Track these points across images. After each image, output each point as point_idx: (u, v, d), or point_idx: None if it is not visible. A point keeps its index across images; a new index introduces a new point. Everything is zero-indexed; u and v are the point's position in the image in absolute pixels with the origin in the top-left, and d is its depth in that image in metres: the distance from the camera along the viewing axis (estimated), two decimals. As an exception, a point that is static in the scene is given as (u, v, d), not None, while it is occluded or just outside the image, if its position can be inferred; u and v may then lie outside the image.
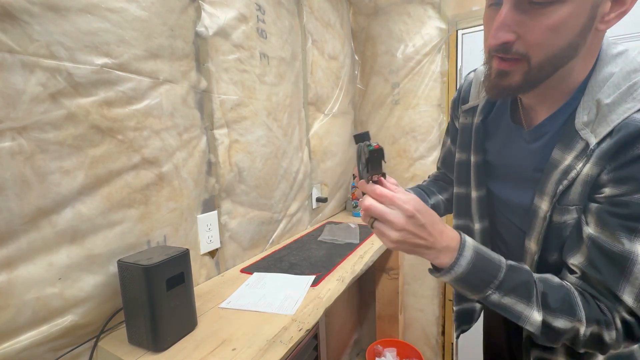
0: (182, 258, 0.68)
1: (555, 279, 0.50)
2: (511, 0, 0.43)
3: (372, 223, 0.50)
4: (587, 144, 0.46)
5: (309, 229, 1.45)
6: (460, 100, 0.71)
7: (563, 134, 0.50)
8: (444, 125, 1.66)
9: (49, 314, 0.60)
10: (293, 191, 1.31)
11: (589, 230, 0.47)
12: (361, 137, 0.53)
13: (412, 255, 1.76)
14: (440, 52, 1.60)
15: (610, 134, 0.44)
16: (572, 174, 0.47)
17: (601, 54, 0.48)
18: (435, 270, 0.51)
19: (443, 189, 0.86)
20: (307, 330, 0.71)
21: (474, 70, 0.72)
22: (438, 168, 0.90)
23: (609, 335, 0.45)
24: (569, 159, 0.48)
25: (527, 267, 0.52)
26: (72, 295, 0.62)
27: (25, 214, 0.56)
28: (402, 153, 1.73)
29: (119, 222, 0.70)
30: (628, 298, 0.44)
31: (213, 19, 0.91)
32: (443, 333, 1.75)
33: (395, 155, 1.76)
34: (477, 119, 0.66)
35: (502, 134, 0.62)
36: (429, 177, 0.93)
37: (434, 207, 0.79)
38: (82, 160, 0.63)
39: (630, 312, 0.44)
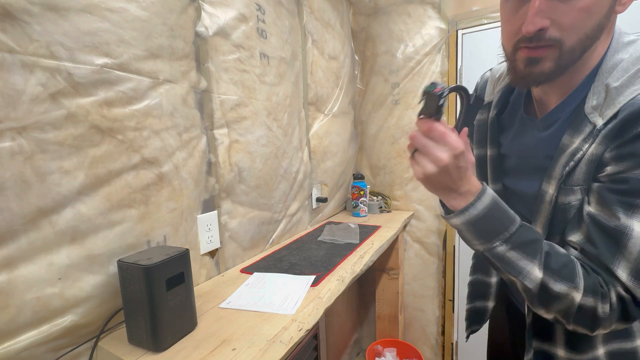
0: (182, 258, 0.68)
1: (562, 249, 0.51)
2: None
3: (413, 152, 0.51)
4: (595, 126, 0.47)
5: (309, 229, 1.45)
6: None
7: (573, 120, 0.51)
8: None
9: (49, 313, 0.60)
10: (293, 191, 1.31)
11: (589, 208, 0.49)
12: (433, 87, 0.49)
13: (412, 255, 1.76)
14: (440, 52, 1.60)
15: (616, 114, 0.45)
16: (579, 155, 0.49)
17: (612, 42, 0.49)
18: (448, 212, 0.53)
19: None
20: (307, 330, 0.71)
21: (490, 70, 0.74)
22: None
23: (603, 309, 0.46)
24: (576, 142, 0.49)
25: (539, 230, 0.53)
26: (72, 295, 0.62)
27: (25, 214, 0.56)
28: (402, 153, 1.73)
29: (119, 222, 0.70)
30: (622, 273, 0.45)
31: (213, 19, 0.91)
32: (443, 333, 1.75)
33: (395, 155, 1.76)
34: (491, 113, 0.67)
35: (516, 127, 0.63)
36: None
37: None
38: (82, 160, 0.63)
39: (626, 288, 0.45)
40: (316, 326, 0.78)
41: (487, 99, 0.70)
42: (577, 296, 0.46)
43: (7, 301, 0.55)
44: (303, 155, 1.37)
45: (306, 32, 1.37)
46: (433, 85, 0.48)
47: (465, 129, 0.51)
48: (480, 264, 0.83)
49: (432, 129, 0.48)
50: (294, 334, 0.68)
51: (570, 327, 0.50)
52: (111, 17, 0.66)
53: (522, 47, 0.48)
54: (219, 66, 0.93)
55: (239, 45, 0.99)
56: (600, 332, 0.48)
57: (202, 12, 0.88)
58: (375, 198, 1.78)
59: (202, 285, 0.92)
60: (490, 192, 0.51)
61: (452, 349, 1.74)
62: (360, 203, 1.64)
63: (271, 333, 0.68)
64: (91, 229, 0.65)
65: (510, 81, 0.55)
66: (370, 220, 1.60)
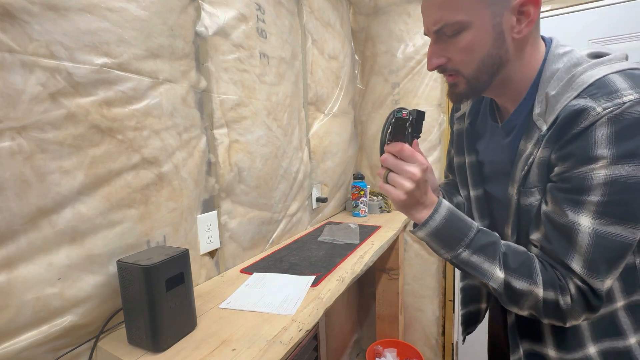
0: (182, 258, 0.68)
1: (520, 247, 0.56)
2: (433, 36, 0.56)
3: (386, 175, 0.57)
4: (540, 132, 0.53)
5: (309, 229, 1.45)
6: (454, 109, 0.81)
7: (526, 126, 0.57)
8: (444, 125, 1.66)
9: (48, 314, 0.59)
10: (293, 191, 1.31)
11: (545, 207, 0.54)
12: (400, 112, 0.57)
13: (412, 255, 1.76)
14: (441, 52, 1.60)
15: (555, 120, 0.50)
16: (530, 159, 0.54)
17: (548, 54, 0.55)
18: (414, 226, 0.59)
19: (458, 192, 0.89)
20: (307, 330, 0.71)
21: None
22: (446, 176, 0.93)
23: (564, 301, 0.50)
24: (529, 147, 0.55)
25: (495, 233, 0.57)
26: (71, 295, 0.62)
27: (25, 214, 0.56)
28: (402, 153, 1.73)
29: (119, 222, 0.70)
30: (576, 266, 0.49)
31: (213, 18, 0.91)
32: (443, 333, 1.75)
33: (395, 155, 1.75)
34: (465, 123, 0.73)
35: (488, 134, 0.69)
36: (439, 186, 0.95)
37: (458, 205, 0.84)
38: (82, 160, 0.63)
39: (582, 279, 0.49)
40: (316, 326, 0.78)
41: (462, 110, 0.75)
42: (539, 291, 0.51)
43: (6, 301, 0.54)
44: (303, 155, 1.37)
45: (306, 32, 1.37)
46: (400, 111, 0.56)
47: (416, 140, 0.60)
48: None
49: (403, 150, 0.55)
50: (294, 335, 0.68)
51: (545, 320, 0.54)
52: (111, 16, 0.66)
53: (443, 74, 0.59)
54: (218, 66, 0.93)
55: (239, 45, 0.99)
56: (573, 323, 0.52)
57: (202, 12, 0.88)
58: (375, 198, 1.78)
59: (202, 286, 0.92)
60: (445, 204, 0.57)
61: (453, 349, 1.74)
62: (360, 203, 1.64)
63: (271, 333, 0.68)
64: (91, 229, 0.65)
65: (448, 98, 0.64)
66: (371, 220, 1.60)
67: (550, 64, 0.54)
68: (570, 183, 0.49)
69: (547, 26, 1.42)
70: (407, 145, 0.56)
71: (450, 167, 0.89)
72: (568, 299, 0.50)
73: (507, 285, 0.53)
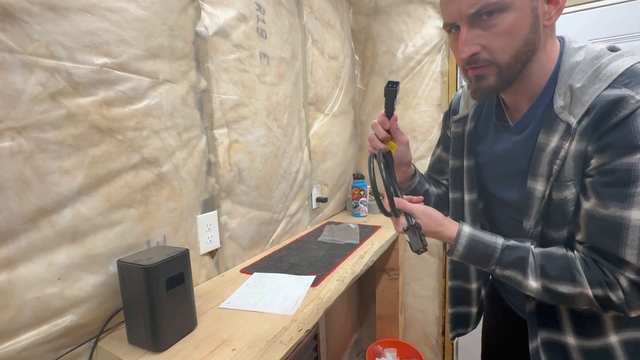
0: (182, 258, 0.68)
1: (560, 250, 0.56)
2: (467, 20, 0.52)
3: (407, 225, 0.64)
4: (569, 125, 0.52)
5: (309, 229, 1.45)
6: (451, 112, 0.80)
7: (545, 120, 0.56)
8: (444, 125, 1.66)
9: (49, 313, 0.60)
10: (293, 191, 1.31)
11: (587, 204, 0.52)
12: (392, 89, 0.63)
13: (412, 255, 1.76)
14: (441, 52, 1.60)
15: (586, 112, 0.50)
16: (562, 152, 0.53)
17: (564, 48, 0.56)
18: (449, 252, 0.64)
19: (435, 185, 0.92)
20: (307, 330, 0.71)
21: (462, 87, 0.79)
22: (428, 176, 0.93)
23: (616, 296, 0.50)
24: (555, 141, 0.54)
25: (527, 244, 0.58)
26: (72, 295, 0.62)
27: (25, 213, 0.56)
28: (402, 153, 1.73)
29: (119, 222, 0.70)
30: (631, 258, 0.48)
31: (213, 18, 0.91)
32: (443, 333, 1.75)
33: (395, 155, 1.75)
34: (469, 126, 0.72)
35: (491, 135, 0.68)
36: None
37: (426, 194, 0.89)
38: (82, 160, 0.63)
39: (637, 271, 0.48)
40: (316, 326, 0.78)
41: (461, 113, 0.75)
42: (588, 291, 0.51)
43: (7, 301, 0.54)
44: (303, 155, 1.37)
45: (306, 32, 1.37)
46: (394, 84, 0.62)
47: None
48: (459, 270, 0.84)
49: (405, 207, 0.64)
50: (294, 334, 0.68)
51: (608, 314, 0.55)
52: (111, 16, 0.66)
53: (468, 68, 0.56)
54: (218, 66, 0.93)
55: (239, 45, 0.99)
56: (633, 314, 0.51)
57: (202, 12, 0.88)
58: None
59: (202, 286, 0.92)
60: (465, 233, 0.61)
61: (453, 350, 1.74)
62: (361, 203, 1.64)
63: (271, 333, 0.68)
64: (91, 229, 0.65)
65: (470, 95, 0.62)
66: (371, 220, 1.60)
67: (568, 57, 0.54)
68: (615, 175, 0.48)
69: (547, 26, 1.42)
70: (403, 201, 0.65)
71: (433, 167, 0.92)
72: (620, 294, 0.49)
73: (548, 291, 0.54)
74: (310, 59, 1.40)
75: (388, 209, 0.64)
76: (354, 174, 1.73)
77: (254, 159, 1.08)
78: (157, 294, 0.62)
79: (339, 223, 1.46)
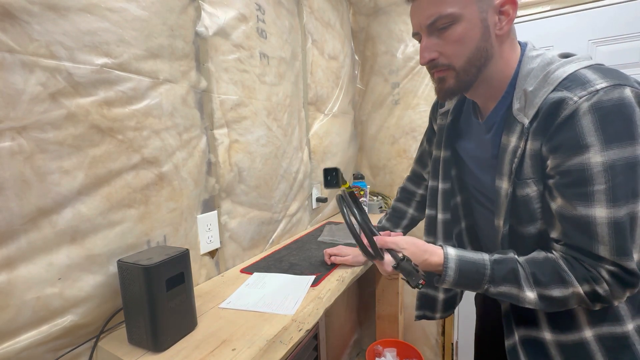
0: (182, 258, 0.68)
1: (541, 254, 0.58)
2: (426, 30, 0.60)
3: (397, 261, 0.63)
4: (523, 125, 0.56)
5: (309, 229, 1.45)
6: (438, 105, 0.86)
7: (506, 122, 0.61)
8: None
9: (49, 314, 0.60)
10: (293, 191, 1.31)
11: (554, 205, 0.56)
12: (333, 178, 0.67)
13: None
14: (440, 52, 1.60)
15: (536, 113, 0.55)
16: (519, 151, 0.57)
17: (523, 57, 0.61)
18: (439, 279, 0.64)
19: (408, 204, 1.01)
20: (307, 330, 0.71)
21: None
22: (413, 170, 1.01)
23: (602, 289, 0.52)
24: (514, 141, 0.58)
25: (511, 255, 0.60)
26: (72, 295, 0.62)
27: (25, 214, 0.56)
28: (402, 153, 1.73)
29: (119, 222, 0.70)
30: (604, 253, 0.51)
31: (213, 18, 0.91)
32: (443, 333, 1.75)
33: (395, 155, 1.76)
34: (448, 120, 0.78)
35: (471, 131, 0.73)
36: (397, 193, 1.06)
37: (408, 225, 1.00)
38: (82, 160, 0.63)
39: (612, 263, 0.51)
40: (316, 326, 0.78)
41: (446, 106, 0.80)
42: (578, 289, 0.53)
43: (7, 301, 0.54)
44: (303, 155, 1.37)
45: (306, 32, 1.37)
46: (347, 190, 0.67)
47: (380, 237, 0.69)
48: None
49: (386, 243, 0.66)
50: (294, 334, 0.68)
51: (596, 307, 0.56)
52: (111, 16, 0.66)
53: (433, 71, 0.64)
54: (219, 66, 0.93)
55: (239, 45, 0.99)
56: (620, 301, 0.54)
57: (202, 12, 0.88)
58: (375, 198, 1.78)
59: (202, 286, 0.92)
60: (452, 256, 0.61)
61: (452, 349, 1.74)
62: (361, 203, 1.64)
63: (271, 333, 0.68)
64: (91, 229, 0.65)
65: (436, 95, 0.68)
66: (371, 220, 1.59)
67: (525, 64, 0.60)
68: (572, 176, 0.52)
69: (547, 26, 1.42)
70: (383, 238, 0.66)
71: (419, 159, 0.98)
72: (605, 285, 0.52)
73: (544, 299, 0.55)
74: (310, 59, 1.40)
75: (370, 249, 0.63)
76: (354, 174, 1.73)
77: (254, 159, 1.08)
78: (157, 294, 0.62)
79: (339, 223, 1.46)
